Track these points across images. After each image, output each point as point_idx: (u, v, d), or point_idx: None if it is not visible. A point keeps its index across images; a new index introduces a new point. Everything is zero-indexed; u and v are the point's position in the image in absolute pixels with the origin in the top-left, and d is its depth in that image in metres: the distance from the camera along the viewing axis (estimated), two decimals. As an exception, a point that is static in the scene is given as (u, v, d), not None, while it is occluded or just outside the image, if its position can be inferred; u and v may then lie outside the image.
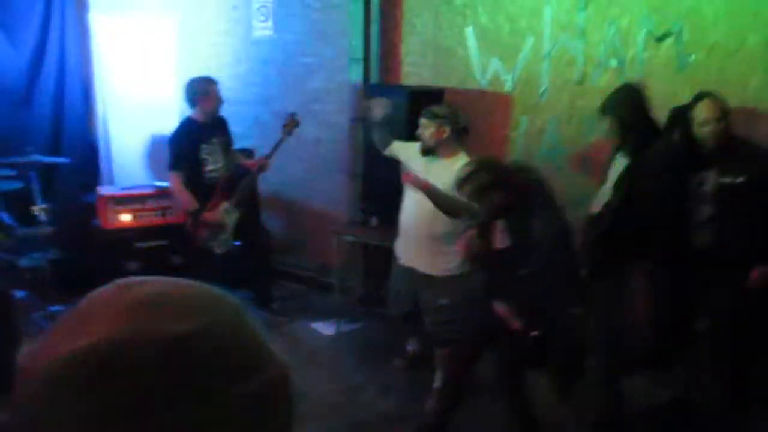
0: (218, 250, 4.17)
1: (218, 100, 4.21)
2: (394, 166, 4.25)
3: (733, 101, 3.57)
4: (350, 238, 4.55)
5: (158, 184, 4.70)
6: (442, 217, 3.26)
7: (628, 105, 3.29)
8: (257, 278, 4.57)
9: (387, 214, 4.45)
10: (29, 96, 5.31)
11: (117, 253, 4.42)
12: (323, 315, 4.59)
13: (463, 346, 3.12)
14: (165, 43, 5.50)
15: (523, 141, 4.36)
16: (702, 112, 2.99)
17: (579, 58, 4.10)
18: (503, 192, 2.78)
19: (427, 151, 3.38)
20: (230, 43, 5.40)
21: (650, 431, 3.39)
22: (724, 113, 2.98)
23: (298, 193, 5.27)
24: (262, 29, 5.21)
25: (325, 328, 4.44)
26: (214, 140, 4.21)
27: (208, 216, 4.12)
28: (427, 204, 3.23)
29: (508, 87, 4.37)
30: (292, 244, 5.31)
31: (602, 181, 3.40)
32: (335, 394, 3.57)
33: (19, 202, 4.17)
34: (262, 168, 4.30)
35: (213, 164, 4.21)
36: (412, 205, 3.41)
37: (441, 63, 4.57)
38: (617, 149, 3.33)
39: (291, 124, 4.28)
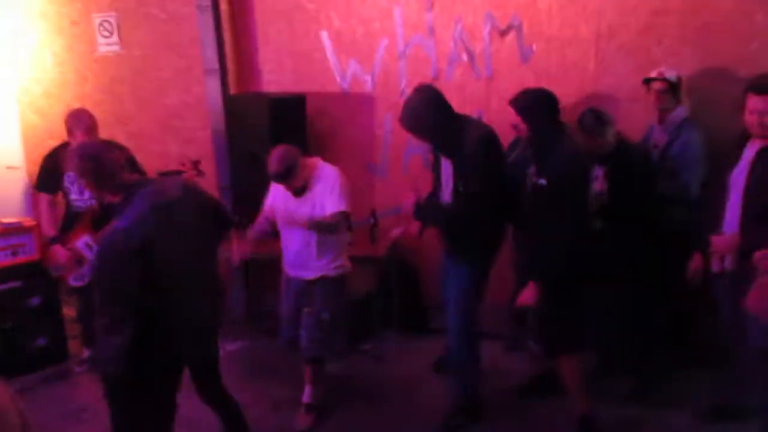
0: (75, 283, 3.90)
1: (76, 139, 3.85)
2: (260, 172, 4.17)
3: (573, 86, 3.89)
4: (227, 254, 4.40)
5: (6, 220, 4.29)
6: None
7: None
8: None
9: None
10: None
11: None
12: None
13: None
14: (2, 66, 5.06)
15: (390, 138, 4.44)
16: None
17: (432, 56, 4.25)
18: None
19: (300, 192, 3.25)
20: (73, 61, 5.04)
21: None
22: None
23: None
24: (108, 45, 4.91)
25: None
26: None
27: (64, 247, 3.86)
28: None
29: (368, 87, 4.44)
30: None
31: None
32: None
33: None
34: None
35: (78, 193, 3.92)
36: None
37: (300, 69, 4.55)
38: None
39: (192, 171, 3.90)
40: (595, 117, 3.24)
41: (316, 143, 4.39)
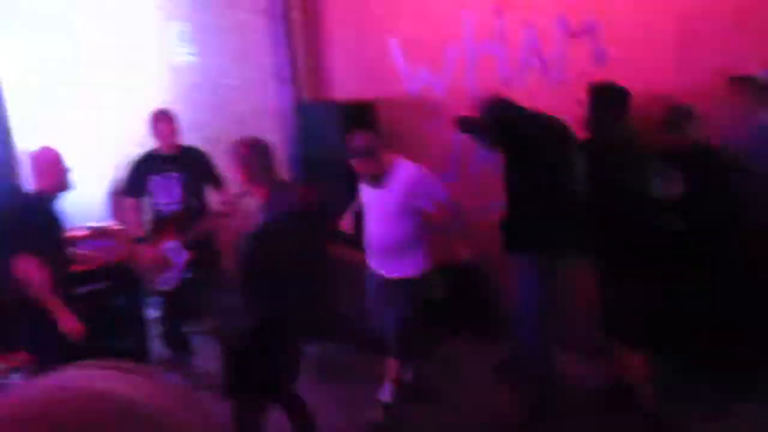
0: (164, 287, 4.06)
1: (170, 134, 4.01)
2: (334, 179, 4.26)
3: (651, 89, 3.78)
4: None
5: (93, 224, 4.53)
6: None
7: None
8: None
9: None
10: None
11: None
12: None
13: None
14: (81, 78, 5.31)
15: (460, 144, 4.45)
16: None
17: (502, 61, 4.22)
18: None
19: (376, 180, 3.36)
20: (151, 69, 5.26)
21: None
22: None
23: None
24: (184, 54, 5.10)
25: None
26: (171, 173, 4.04)
27: (151, 249, 4.02)
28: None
29: (438, 93, 4.45)
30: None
31: None
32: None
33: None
34: (221, 217, 4.13)
35: (165, 197, 4.06)
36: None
37: (370, 76, 4.61)
38: None
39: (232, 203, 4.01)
40: (677, 112, 3.19)
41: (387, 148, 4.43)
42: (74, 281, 4.26)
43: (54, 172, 3.27)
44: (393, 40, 4.48)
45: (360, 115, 4.32)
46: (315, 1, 4.62)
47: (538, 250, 3.23)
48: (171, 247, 4.03)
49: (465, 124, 3.38)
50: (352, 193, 4.21)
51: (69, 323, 3.29)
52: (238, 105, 5.02)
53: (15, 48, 5.24)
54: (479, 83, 4.27)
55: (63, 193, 3.34)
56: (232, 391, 2.77)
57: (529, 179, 3.14)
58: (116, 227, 4.48)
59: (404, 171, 3.30)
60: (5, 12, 5.22)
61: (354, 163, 3.31)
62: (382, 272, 3.45)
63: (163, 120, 3.99)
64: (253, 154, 2.69)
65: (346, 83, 4.68)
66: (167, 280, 4.04)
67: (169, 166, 4.03)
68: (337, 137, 4.15)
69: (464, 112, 3.51)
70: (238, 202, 4.07)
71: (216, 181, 4.16)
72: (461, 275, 4.32)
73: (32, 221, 3.21)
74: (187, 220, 4.04)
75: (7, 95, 5.08)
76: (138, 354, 4.42)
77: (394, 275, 3.41)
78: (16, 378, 4.27)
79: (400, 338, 3.47)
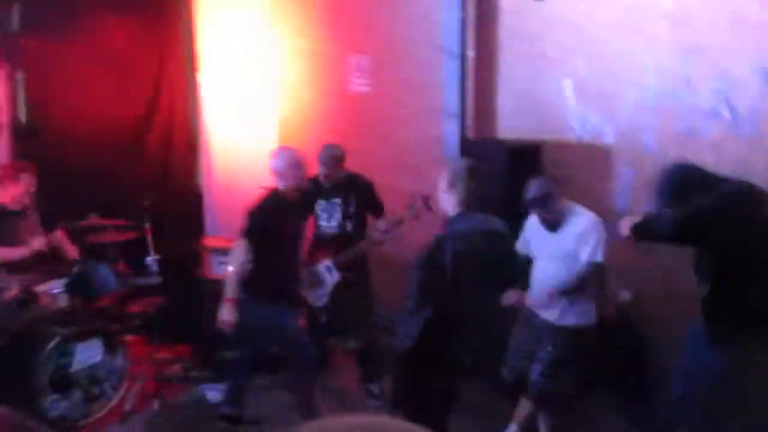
0: (315, 304, 4.24)
1: (321, 166, 4.27)
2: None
3: None
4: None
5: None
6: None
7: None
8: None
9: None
10: (140, 149, 5.68)
11: (218, 303, 4.54)
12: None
13: None
14: (267, 100, 5.76)
15: (629, 194, 4.21)
16: None
17: (685, 109, 3.95)
18: None
19: (553, 226, 3.40)
20: (330, 97, 5.58)
21: None
22: None
23: (395, 249, 5.15)
24: (359, 84, 5.36)
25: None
26: (335, 199, 4.29)
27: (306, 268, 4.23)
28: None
29: (609, 139, 4.26)
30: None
31: None
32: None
33: (135, 252, 4.42)
34: (375, 244, 4.28)
35: (326, 220, 4.31)
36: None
37: (538, 116, 4.53)
38: None
39: (418, 207, 4.05)
40: None
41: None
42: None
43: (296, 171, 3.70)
44: (566, 81, 4.38)
45: (525, 155, 4.25)
46: (490, 41, 4.66)
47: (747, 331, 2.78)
48: (324, 266, 4.21)
49: (642, 230, 2.94)
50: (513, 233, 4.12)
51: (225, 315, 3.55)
52: (403, 137, 5.16)
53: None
54: (657, 131, 4.03)
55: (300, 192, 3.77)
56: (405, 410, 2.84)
57: (736, 266, 2.74)
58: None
59: (580, 219, 3.34)
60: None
61: (533, 212, 3.40)
62: (546, 316, 3.39)
63: (325, 150, 4.26)
64: (472, 178, 2.84)
65: (514, 122, 4.64)
66: (318, 297, 4.21)
67: (332, 192, 4.28)
68: (501, 176, 4.11)
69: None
70: (393, 230, 4.17)
71: (376, 208, 4.30)
72: (613, 330, 4.04)
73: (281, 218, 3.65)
74: (342, 243, 4.22)
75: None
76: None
77: (558, 321, 3.36)
78: (177, 368, 4.64)
79: (544, 384, 3.35)
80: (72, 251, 4.24)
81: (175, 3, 5.80)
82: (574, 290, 3.32)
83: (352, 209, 4.29)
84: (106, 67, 5.41)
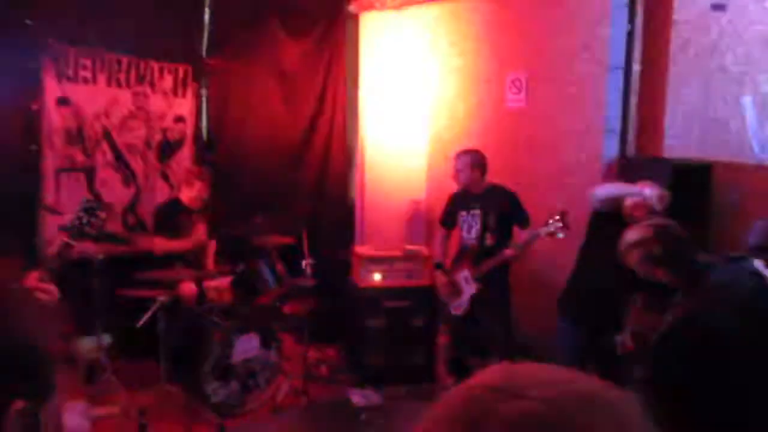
0: (454, 312, 4.27)
1: (457, 172, 4.31)
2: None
3: None
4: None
5: (407, 247, 4.96)
6: None
7: None
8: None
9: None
10: (301, 161, 6.07)
11: (366, 310, 4.71)
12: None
13: None
14: (419, 115, 5.89)
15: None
16: None
17: None
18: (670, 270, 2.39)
19: None
20: (481, 114, 5.58)
21: None
22: None
23: (543, 272, 5.05)
24: (514, 101, 5.31)
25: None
26: (475, 210, 4.30)
27: (442, 276, 4.36)
28: None
29: (796, 162, 3.85)
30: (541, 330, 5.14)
31: None
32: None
33: (292, 255, 4.72)
34: (512, 258, 4.18)
35: (467, 232, 4.33)
36: None
37: (709, 135, 4.20)
38: None
39: (557, 223, 3.87)
40: None
41: (721, 219, 3.96)
42: (382, 295, 4.73)
43: None
44: (746, 98, 4.02)
45: (693, 176, 3.95)
46: (660, 55, 4.40)
47: None
48: (464, 276, 4.21)
49: None
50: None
51: None
52: (559, 154, 5.02)
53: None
54: None
55: None
56: None
57: None
58: (426, 252, 4.83)
59: None
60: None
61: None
62: None
63: (459, 159, 4.30)
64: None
65: (682, 141, 4.34)
66: (457, 306, 4.24)
67: (474, 204, 4.28)
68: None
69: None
70: (530, 244, 4.05)
71: (522, 220, 4.22)
72: None
73: None
74: (481, 255, 4.19)
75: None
76: (424, 373, 4.66)
77: None
78: (324, 369, 4.85)
79: None
80: (211, 263, 4.69)
81: (343, 25, 6.15)
82: None
83: (492, 221, 4.23)
84: (279, 85, 5.87)
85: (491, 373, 0.67)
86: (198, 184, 4.52)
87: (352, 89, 6.20)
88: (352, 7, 6.20)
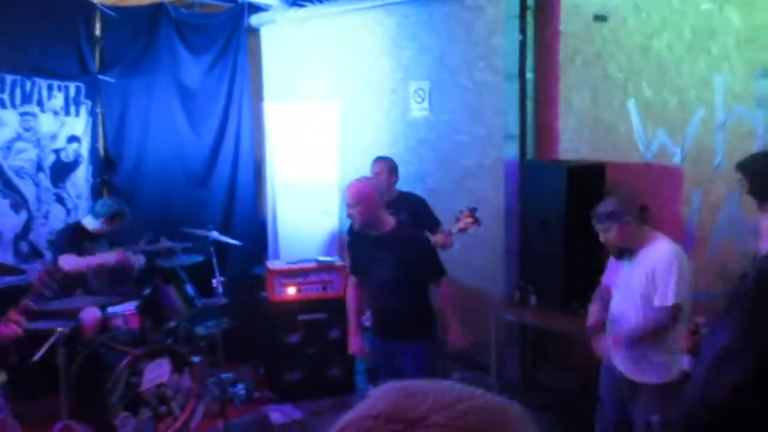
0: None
1: (375, 176, 4.33)
2: (550, 240, 4.14)
3: None
4: (509, 318, 4.44)
5: (321, 258, 4.93)
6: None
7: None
8: None
9: (545, 293, 4.31)
10: (208, 178, 5.92)
11: (281, 325, 4.65)
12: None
13: None
14: (328, 127, 5.89)
15: (696, 217, 4.06)
16: None
17: (758, 129, 3.80)
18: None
19: (620, 254, 3.04)
20: (388, 124, 5.66)
21: None
22: None
23: (454, 270, 5.18)
24: (419, 110, 5.42)
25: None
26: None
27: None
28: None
29: (676, 160, 4.14)
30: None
31: None
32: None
33: (201, 275, 4.57)
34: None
35: None
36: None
37: (600, 138, 4.45)
38: None
39: (465, 220, 4.01)
40: None
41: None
42: (297, 309, 4.67)
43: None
44: (630, 102, 4.30)
45: (587, 177, 4.17)
46: (551, 64, 4.63)
47: None
48: None
49: None
50: (569, 259, 4.03)
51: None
52: (463, 159, 5.17)
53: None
54: (727, 151, 3.88)
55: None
56: None
57: None
58: (340, 263, 4.83)
59: (657, 250, 2.92)
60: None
61: (596, 229, 3.00)
62: (621, 369, 2.99)
63: (377, 164, 4.37)
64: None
65: (575, 144, 4.57)
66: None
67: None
68: (561, 198, 4.05)
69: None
70: (444, 246, 4.12)
71: (433, 225, 4.29)
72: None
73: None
74: None
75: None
76: (343, 385, 4.65)
77: (634, 377, 2.94)
78: (241, 389, 4.73)
79: None
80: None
81: (245, 38, 6.07)
82: (647, 339, 2.88)
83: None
84: (181, 101, 5.71)
85: (384, 399, 0.63)
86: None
87: (256, 103, 6.13)
88: (252, 20, 6.14)
